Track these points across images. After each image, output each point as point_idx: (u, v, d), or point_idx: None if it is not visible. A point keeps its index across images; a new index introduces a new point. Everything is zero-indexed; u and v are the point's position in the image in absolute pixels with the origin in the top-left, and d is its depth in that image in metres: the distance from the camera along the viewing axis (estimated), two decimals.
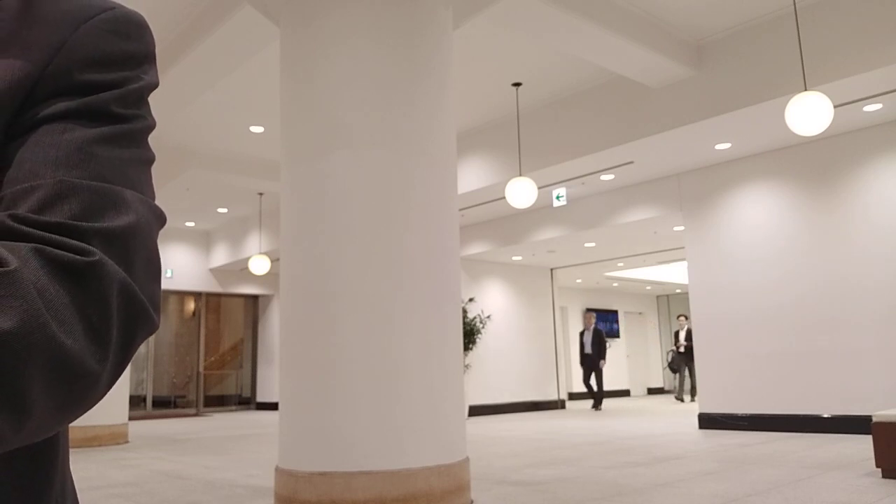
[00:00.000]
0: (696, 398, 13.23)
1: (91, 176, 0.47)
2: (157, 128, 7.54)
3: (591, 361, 12.26)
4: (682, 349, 13.20)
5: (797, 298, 7.04)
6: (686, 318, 13.70)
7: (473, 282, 11.59)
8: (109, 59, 0.52)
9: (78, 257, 0.42)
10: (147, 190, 0.51)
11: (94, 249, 0.43)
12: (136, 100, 0.53)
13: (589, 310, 12.72)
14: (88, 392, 0.42)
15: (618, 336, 17.50)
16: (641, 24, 5.87)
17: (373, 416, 3.60)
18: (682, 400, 13.35)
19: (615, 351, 17.37)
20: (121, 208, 0.47)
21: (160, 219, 0.52)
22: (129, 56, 0.54)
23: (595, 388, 12.23)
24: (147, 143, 0.54)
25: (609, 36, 5.60)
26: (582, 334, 12.64)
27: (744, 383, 7.36)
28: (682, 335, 13.43)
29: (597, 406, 12.12)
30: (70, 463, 6.07)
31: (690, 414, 10.09)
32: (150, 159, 0.53)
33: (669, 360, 13.77)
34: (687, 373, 13.50)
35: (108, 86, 0.51)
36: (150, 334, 0.48)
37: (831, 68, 5.57)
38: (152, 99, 6.76)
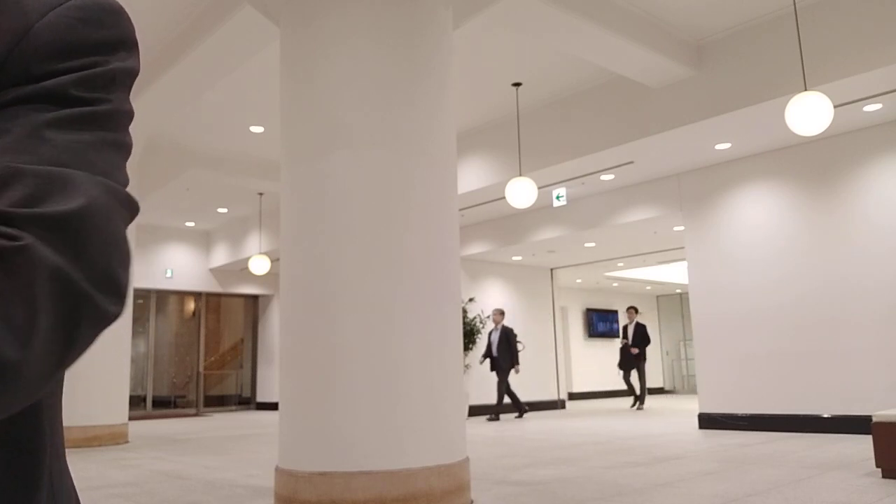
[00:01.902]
0: (642, 406, 11.71)
1: (42, 160, 0.45)
2: (157, 128, 7.55)
3: (499, 365, 10.50)
4: (632, 350, 11.89)
5: (797, 298, 7.04)
6: (636, 310, 12.23)
7: (473, 282, 11.59)
8: (75, 48, 0.49)
9: (3, 242, 0.40)
10: (114, 173, 0.48)
11: (25, 235, 0.41)
12: (105, 83, 0.50)
13: (498, 309, 10.81)
14: (7, 382, 0.39)
15: (618, 336, 17.49)
16: (641, 24, 5.87)
17: (373, 416, 3.60)
18: (641, 407, 11.83)
19: (616, 350, 17.38)
20: (69, 192, 0.44)
21: (126, 203, 0.48)
22: (100, 43, 0.50)
23: (504, 395, 10.59)
24: (118, 127, 0.51)
25: (609, 36, 5.60)
26: (490, 335, 10.74)
27: (744, 383, 7.36)
28: (631, 330, 12.00)
29: (520, 414, 10.67)
30: (69, 463, 5.99)
31: (690, 414, 10.09)
32: (118, 142, 0.50)
33: (619, 360, 12.39)
34: (636, 375, 12.04)
35: (71, 72, 0.48)
36: (105, 323, 0.45)
37: (831, 68, 5.57)
38: (154, 98, 6.75)
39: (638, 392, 11.93)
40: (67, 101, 0.48)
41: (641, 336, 12.02)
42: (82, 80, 0.49)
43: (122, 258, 0.46)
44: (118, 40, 0.52)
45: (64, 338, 0.42)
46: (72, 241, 0.43)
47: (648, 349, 12.90)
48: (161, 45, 6.30)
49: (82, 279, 0.43)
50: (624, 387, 17.30)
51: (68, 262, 0.42)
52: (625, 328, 12.36)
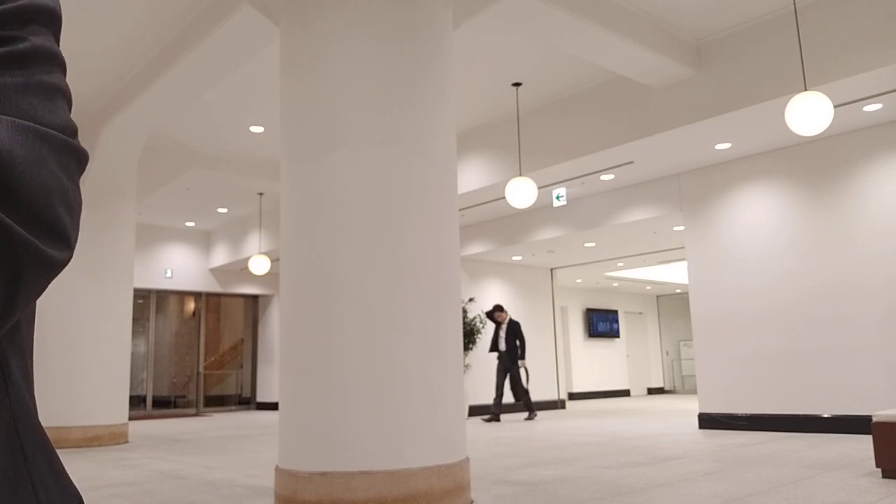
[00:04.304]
0: (533, 415, 10.00)
1: None
2: (157, 128, 7.55)
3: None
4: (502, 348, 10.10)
5: (797, 298, 7.04)
6: (502, 309, 10.27)
7: (473, 282, 11.59)
8: None
9: None
10: (47, 117, 0.45)
11: None
12: (20, 20, 0.46)
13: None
14: None
15: (618, 336, 17.51)
16: (642, 24, 5.87)
17: (373, 416, 3.60)
18: (497, 419, 9.88)
19: (616, 350, 17.39)
20: None
21: (63, 148, 0.45)
22: None
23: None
24: (46, 68, 0.46)
25: (609, 36, 5.60)
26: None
27: (744, 383, 7.36)
28: (503, 332, 10.11)
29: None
30: (68, 463, 5.97)
31: (690, 414, 10.09)
32: (47, 84, 0.46)
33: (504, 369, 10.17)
34: (507, 379, 10.04)
35: None
36: (50, 270, 0.43)
37: (831, 68, 5.57)
38: (154, 98, 6.75)
39: (523, 400, 10.15)
40: None
41: (514, 335, 10.12)
42: None
43: (63, 202, 0.44)
44: None
45: (5, 286, 0.40)
46: (2, 187, 0.40)
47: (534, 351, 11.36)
48: (161, 44, 6.30)
49: (19, 224, 0.41)
50: (614, 387, 17.36)
51: (2, 209, 0.40)
52: (496, 329, 10.30)
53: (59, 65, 0.48)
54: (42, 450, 0.50)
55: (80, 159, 0.47)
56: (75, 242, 0.46)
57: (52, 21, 0.48)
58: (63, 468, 0.51)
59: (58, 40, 0.50)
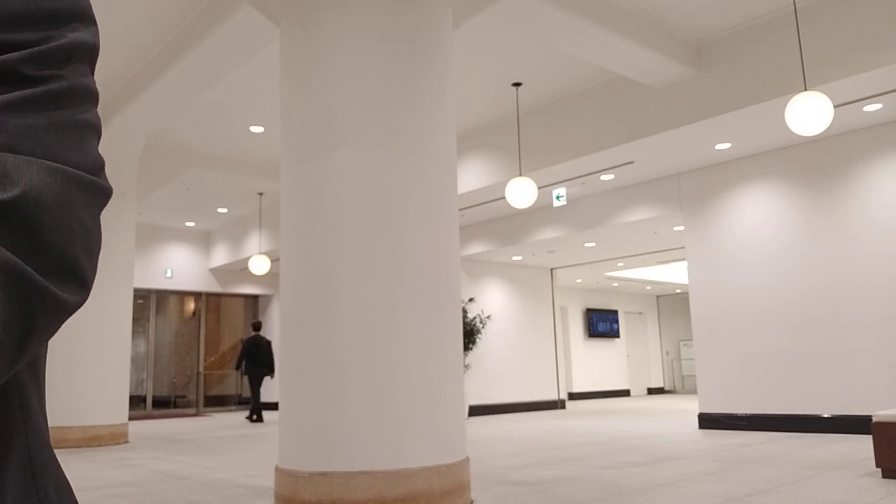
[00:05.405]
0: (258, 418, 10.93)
1: None
2: (157, 128, 7.56)
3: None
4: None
5: (797, 298, 7.04)
6: (255, 326, 11.13)
7: (473, 282, 11.59)
8: (24, 18, 0.45)
9: None
10: (76, 155, 0.45)
11: None
12: (59, 59, 0.46)
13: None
14: None
15: (618, 336, 17.51)
16: (642, 24, 5.87)
17: (373, 416, 3.60)
18: (258, 419, 11.11)
19: (616, 350, 17.38)
20: (17, 179, 0.41)
21: (89, 187, 0.45)
22: (51, 14, 0.46)
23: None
24: (78, 105, 0.47)
25: (610, 36, 5.60)
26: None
27: (744, 383, 7.36)
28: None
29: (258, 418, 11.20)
30: (68, 463, 5.97)
31: (690, 414, 10.09)
32: (79, 122, 0.47)
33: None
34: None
35: (22, 46, 0.45)
36: (64, 314, 0.43)
37: (831, 68, 5.57)
38: (154, 98, 6.75)
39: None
40: (18, 80, 0.44)
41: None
42: (34, 56, 0.45)
43: (84, 244, 0.45)
44: (72, 12, 0.48)
45: (19, 331, 0.40)
46: (22, 230, 0.41)
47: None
48: (161, 44, 6.30)
49: (37, 270, 0.41)
50: (614, 387, 17.37)
51: (22, 254, 0.40)
52: (254, 327, 11.39)
53: (93, 99, 0.49)
54: (52, 476, 0.50)
55: (105, 197, 0.48)
56: (92, 282, 0.46)
57: (90, 55, 0.49)
58: (71, 493, 0.52)
59: (93, 70, 0.50)
